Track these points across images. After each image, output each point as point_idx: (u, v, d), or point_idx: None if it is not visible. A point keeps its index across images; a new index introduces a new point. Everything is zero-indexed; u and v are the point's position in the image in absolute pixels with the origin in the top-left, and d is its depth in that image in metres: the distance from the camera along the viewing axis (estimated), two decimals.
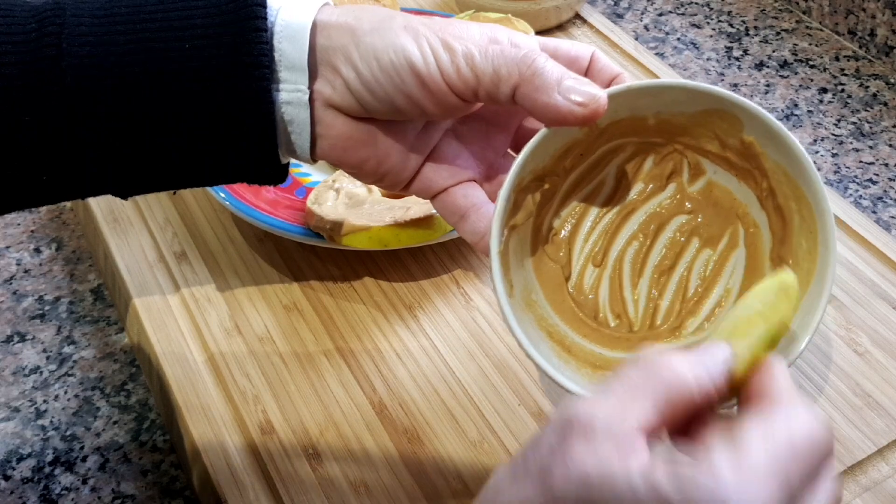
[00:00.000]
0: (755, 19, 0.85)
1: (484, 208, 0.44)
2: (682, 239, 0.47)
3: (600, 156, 0.47)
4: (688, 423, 0.32)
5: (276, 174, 0.44)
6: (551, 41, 0.44)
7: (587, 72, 0.44)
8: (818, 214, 0.42)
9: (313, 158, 0.44)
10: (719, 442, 0.30)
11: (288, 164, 0.45)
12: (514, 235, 0.45)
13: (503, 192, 0.42)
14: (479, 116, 0.46)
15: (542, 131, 0.42)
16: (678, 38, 0.83)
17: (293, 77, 0.41)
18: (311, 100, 0.41)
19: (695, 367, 0.32)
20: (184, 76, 0.40)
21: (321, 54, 0.41)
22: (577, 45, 0.44)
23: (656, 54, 0.81)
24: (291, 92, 0.41)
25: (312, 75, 0.41)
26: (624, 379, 0.31)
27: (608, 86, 0.43)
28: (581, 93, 0.40)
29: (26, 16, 0.40)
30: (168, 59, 0.40)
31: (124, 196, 0.44)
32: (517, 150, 0.47)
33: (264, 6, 0.40)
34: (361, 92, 0.41)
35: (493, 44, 0.41)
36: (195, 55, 0.40)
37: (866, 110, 0.75)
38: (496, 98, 0.41)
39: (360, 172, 0.44)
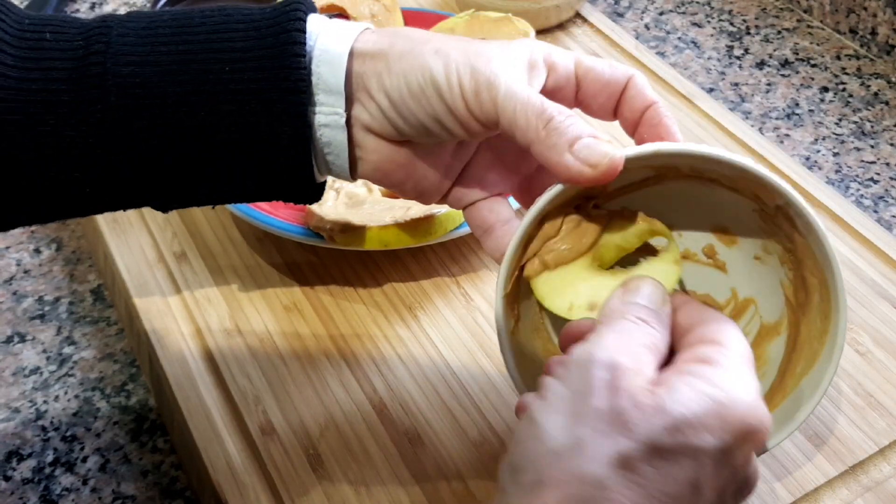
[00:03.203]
0: (756, 18, 0.85)
1: (509, 224, 0.45)
2: (706, 270, 0.47)
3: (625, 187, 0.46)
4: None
5: (312, 193, 0.44)
6: (588, 60, 0.43)
7: (621, 96, 0.43)
8: (834, 306, 0.42)
9: (353, 178, 0.44)
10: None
11: (324, 182, 0.45)
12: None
13: (514, 239, 0.42)
14: None
15: (558, 186, 0.41)
16: (679, 38, 0.83)
17: (330, 100, 0.41)
18: (350, 124, 0.42)
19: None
20: (223, 98, 0.40)
21: (357, 80, 0.42)
22: (615, 67, 0.43)
23: (657, 53, 0.80)
24: (328, 115, 0.41)
25: (350, 100, 0.42)
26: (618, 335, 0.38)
27: (641, 115, 0.43)
28: (594, 154, 0.39)
29: (75, 32, 0.41)
30: (208, 80, 0.40)
31: (164, 210, 0.45)
32: None
33: (303, 31, 0.41)
34: (394, 116, 0.41)
35: (528, 76, 0.41)
36: (235, 78, 0.40)
37: (867, 109, 0.75)
38: (512, 139, 0.41)
39: (401, 191, 0.45)
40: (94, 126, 0.40)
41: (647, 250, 0.44)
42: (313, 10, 0.43)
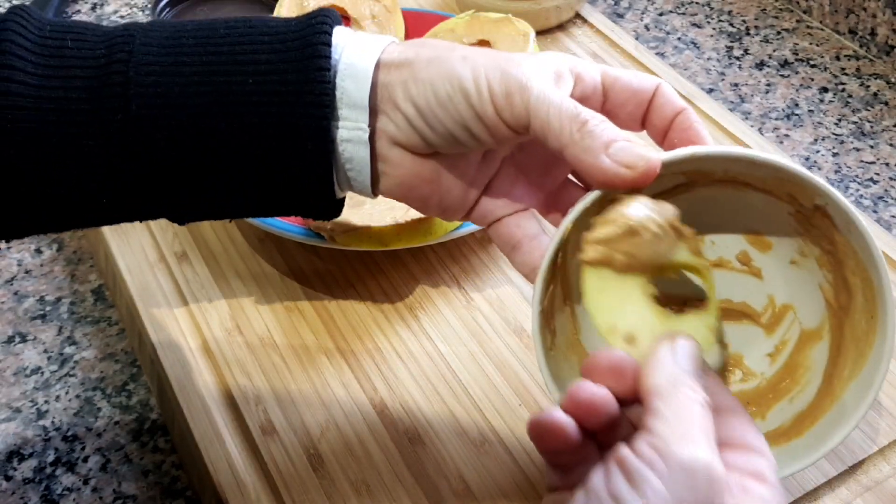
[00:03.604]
0: (756, 19, 0.85)
1: (537, 240, 0.44)
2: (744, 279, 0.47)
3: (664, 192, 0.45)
4: None
5: (331, 209, 0.44)
6: (613, 70, 0.43)
7: (649, 105, 0.43)
8: (881, 304, 0.41)
9: (375, 194, 0.44)
10: None
11: (343, 198, 0.45)
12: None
13: (549, 252, 0.41)
14: (538, 144, 0.45)
15: (595, 192, 0.40)
16: (679, 38, 0.83)
17: (353, 115, 0.41)
18: (376, 138, 0.42)
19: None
20: (246, 110, 0.40)
21: (383, 91, 0.41)
22: (641, 76, 0.43)
23: (657, 54, 0.81)
24: (351, 130, 0.41)
25: (375, 113, 0.41)
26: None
27: (671, 122, 0.42)
28: (631, 155, 0.39)
29: (97, 40, 0.41)
30: (231, 92, 0.40)
31: (180, 222, 0.44)
32: (578, 177, 0.46)
33: (329, 45, 0.41)
34: (421, 125, 0.41)
35: (556, 84, 0.40)
36: (258, 90, 0.40)
37: (867, 110, 0.75)
38: (543, 143, 0.40)
39: (424, 207, 0.44)
40: (114, 135, 0.40)
41: (685, 293, 0.43)
42: (338, 22, 0.42)
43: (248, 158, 0.41)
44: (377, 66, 0.41)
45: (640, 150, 0.39)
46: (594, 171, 0.39)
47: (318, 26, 0.41)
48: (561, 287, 0.43)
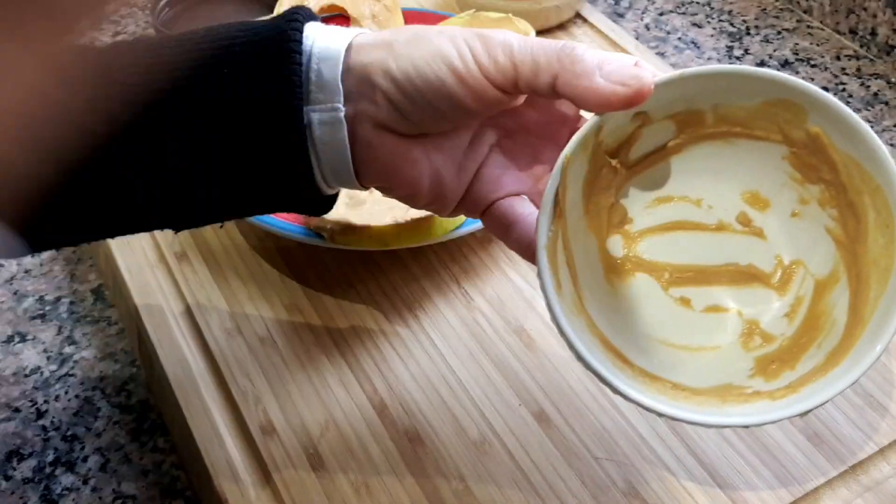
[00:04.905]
0: (756, 19, 0.85)
1: (530, 218, 0.44)
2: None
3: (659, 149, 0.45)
4: None
5: (320, 203, 0.44)
6: None
7: None
8: (895, 204, 0.40)
9: (362, 184, 0.44)
10: None
11: (336, 193, 0.45)
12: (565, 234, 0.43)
13: (552, 183, 0.40)
14: (526, 130, 0.45)
15: (592, 119, 0.40)
16: (679, 38, 0.83)
17: (328, 97, 0.41)
18: (356, 122, 0.42)
19: None
20: (222, 103, 0.41)
21: (359, 71, 0.41)
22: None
23: (657, 54, 0.81)
24: (326, 112, 0.41)
25: (352, 95, 0.42)
26: None
27: None
28: (624, 73, 0.39)
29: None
30: (208, 86, 0.41)
31: (176, 229, 0.45)
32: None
33: (300, 31, 0.41)
34: (402, 102, 0.41)
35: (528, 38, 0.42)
36: (232, 82, 0.41)
37: (867, 109, 0.75)
38: (536, 89, 0.41)
39: (414, 194, 0.44)
40: (99, 139, 0.40)
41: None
42: (312, 17, 0.43)
43: (231, 153, 0.41)
44: (350, 48, 0.42)
45: (631, 69, 0.40)
46: (589, 93, 0.39)
47: (291, 16, 0.42)
48: (564, 250, 0.42)
